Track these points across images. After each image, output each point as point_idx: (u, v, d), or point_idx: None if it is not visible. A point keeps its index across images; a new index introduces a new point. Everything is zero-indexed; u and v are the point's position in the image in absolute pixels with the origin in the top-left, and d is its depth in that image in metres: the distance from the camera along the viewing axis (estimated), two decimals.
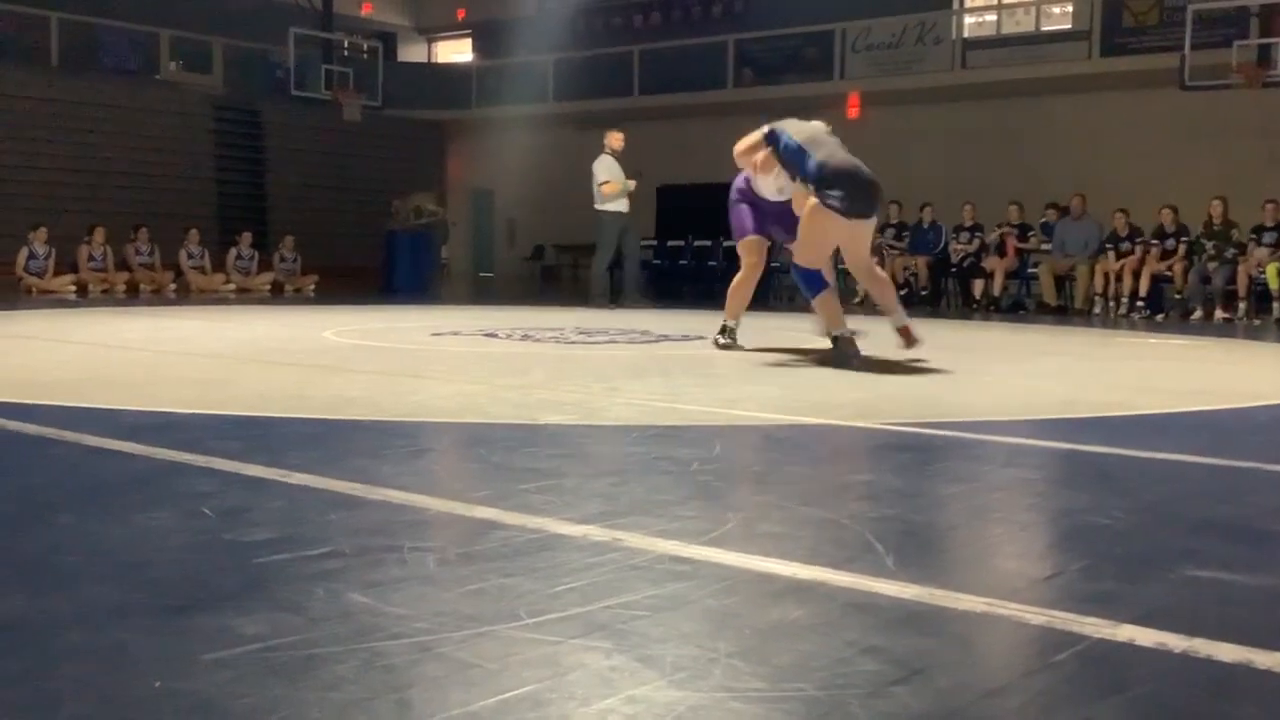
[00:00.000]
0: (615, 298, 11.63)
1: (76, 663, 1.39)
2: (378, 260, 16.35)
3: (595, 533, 2.08)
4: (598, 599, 1.67)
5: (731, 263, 16.88)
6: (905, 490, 2.63)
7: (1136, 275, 12.40)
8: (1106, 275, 12.79)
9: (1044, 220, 13.46)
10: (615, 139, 11.59)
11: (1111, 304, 12.78)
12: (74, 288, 14.22)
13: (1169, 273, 12.33)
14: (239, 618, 1.55)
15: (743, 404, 3.97)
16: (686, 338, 7.32)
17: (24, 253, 14.18)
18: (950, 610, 1.66)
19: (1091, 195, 13.19)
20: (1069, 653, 1.48)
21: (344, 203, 19.65)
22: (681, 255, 17.55)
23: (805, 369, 5.45)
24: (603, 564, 1.87)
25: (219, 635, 1.48)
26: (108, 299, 13.26)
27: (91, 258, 14.69)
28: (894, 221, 14.62)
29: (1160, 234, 12.49)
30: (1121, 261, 12.55)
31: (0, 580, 1.75)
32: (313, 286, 15.86)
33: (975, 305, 13.53)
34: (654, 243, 18.34)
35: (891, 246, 13.88)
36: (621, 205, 11.54)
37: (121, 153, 17.30)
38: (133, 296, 13.95)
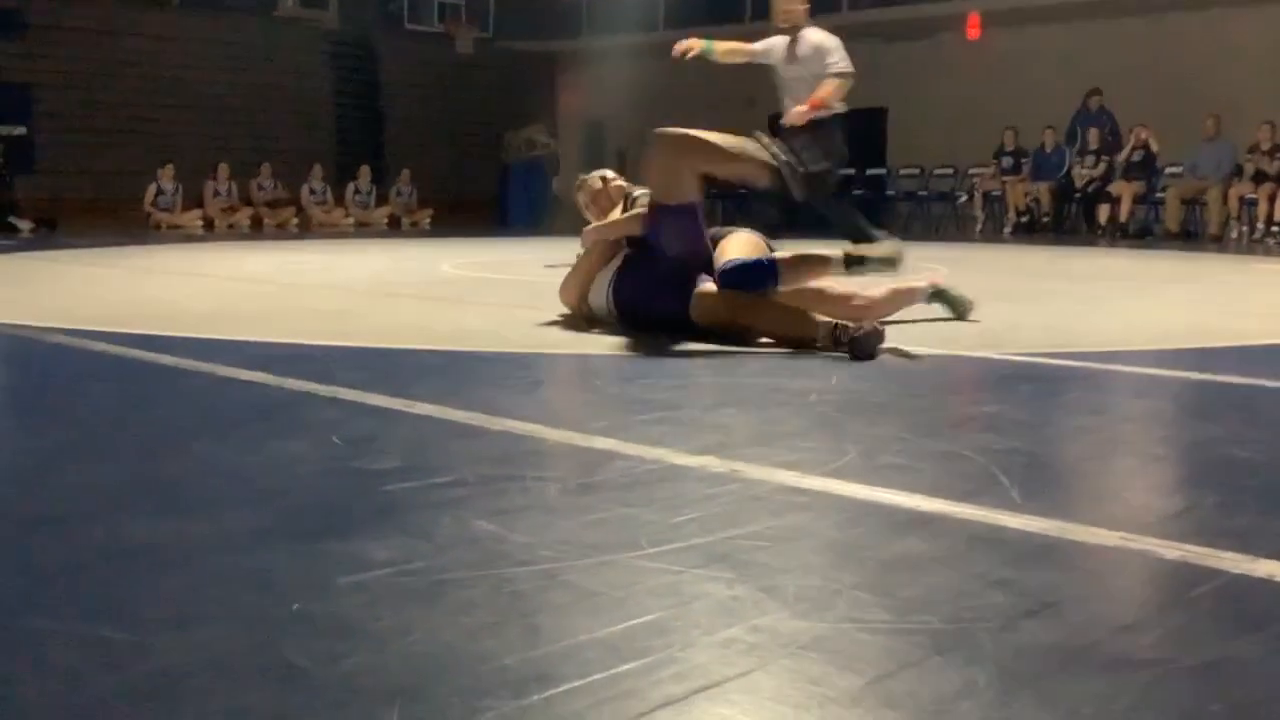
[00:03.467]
0: None
1: (220, 584, 1.44)
2: (491, 193, 16.48)
3: (713, 463, 2.08)
4: (718, 529, 1.68)
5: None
6: (1030, 422, 2.58)
7: (1272, 199, 11.90)
8: (1241, 199, 12.29)
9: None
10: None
11: (1245, 229, 12.30)
12: (200, 223, 14.65)
13: None
14: (371, 542, 1.59)
15: None
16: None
17: (152, 189, 14.64)
18: (1080, 544, 1.62)
19: (1227, 115, 12.64)
20: (1206, 588, 1.44)
21: (457, 136, 19.79)
22: None
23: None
24: (722, 495, 1.87)
25: (353, 560, 1.52)
26: (233, 233, 13.63)
27: (217, 193, 15.10)
28: (1010, 149, 14.21)
29: None
30: (1258, 185, 12.05)
31: (145, 505, 1.83)
32: (429, 220, 16.07)
33: (1101, 231, 13.13)
34: None
35: None
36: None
37: (241, 89, 17.65)
38: (257, 231, 14.32)
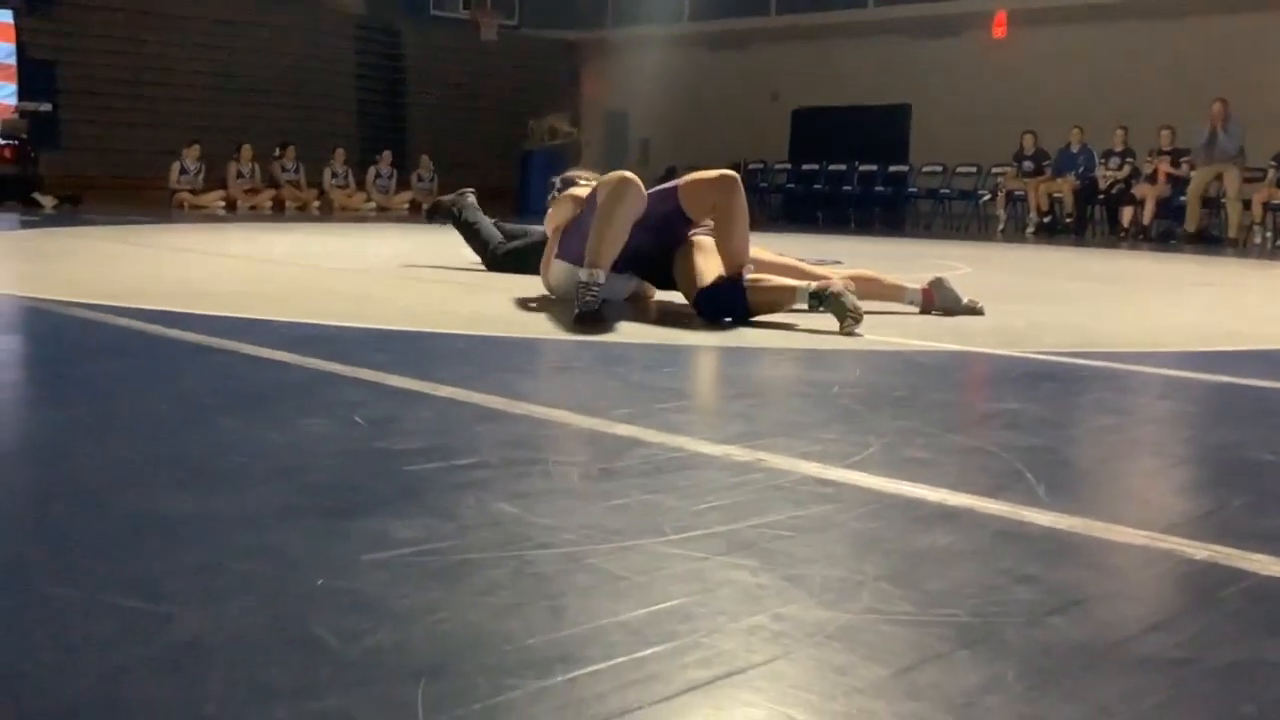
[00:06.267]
0: None
1: (243, 560, 1.44)
2: (513, 180, 16.48)
3: (737, 453, 2.07)
4: (742, 518, 1.67)
5: (867, 187, 16.65)
6: (1054, 420, 2.56)
7: None
8: (1265, 204, 12.22)
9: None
10: None
11: (1269, 234, 12.23)
12: (223, 203, 14.69)
13: None
14: (394, 521, 1.59)
15: (883, 329, 3.90)
16: (822, 260, 7.21)
17: (176, 167, 14.68)
18: (1107, 542, 1.61)
19: (1252, 118, 12.56)
20: (1234, 589, 1.43)
21: (480, 123, 19.79)
22: (815, 179, 17.29)
23: None
24: (745, 484, 1.87)
25: (376, 538, 1.52)
26: (255, 215, 13.66)
27: (240, 174, 15.13)
28: (1029, 153, 14.15)
29: None
30: None
31: (169, 479, 1.83)
32: None
33: (1123, 234, 13.06)
34: (788, 166, 18.11)
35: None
36: None
37: (267, 71, 17.68)
38: (279, 213, 14.35)
